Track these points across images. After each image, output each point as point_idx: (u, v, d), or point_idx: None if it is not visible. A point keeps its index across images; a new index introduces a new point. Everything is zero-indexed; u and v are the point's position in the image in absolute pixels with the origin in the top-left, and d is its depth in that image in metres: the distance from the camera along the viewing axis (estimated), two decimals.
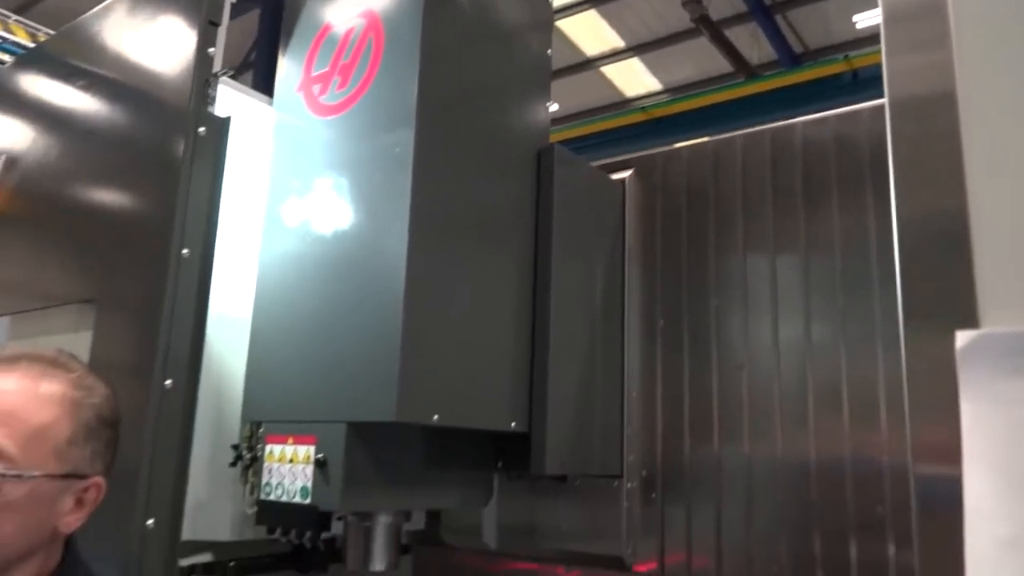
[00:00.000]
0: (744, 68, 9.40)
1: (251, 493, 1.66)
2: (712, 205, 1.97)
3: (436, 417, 1.48)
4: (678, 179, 2.03)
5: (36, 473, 0.92)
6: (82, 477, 0.98)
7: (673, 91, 10.27)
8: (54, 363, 1.00)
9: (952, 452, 0.61)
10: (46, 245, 1.80)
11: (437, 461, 1.67)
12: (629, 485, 1.92)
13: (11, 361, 0.97)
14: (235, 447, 1.68)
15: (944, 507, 0.63)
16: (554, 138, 1.95)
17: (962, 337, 0.57)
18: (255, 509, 1.63)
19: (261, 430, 1.65)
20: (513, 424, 1.67)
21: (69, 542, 1.02)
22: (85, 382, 1.01)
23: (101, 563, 1.05)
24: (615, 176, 2.09)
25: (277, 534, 1.64)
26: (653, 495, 1.91)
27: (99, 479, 1.00)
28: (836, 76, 6.87)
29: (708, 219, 1.97)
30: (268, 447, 1.60)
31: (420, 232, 1.48)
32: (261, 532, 1.71)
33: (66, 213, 1.78)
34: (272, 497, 1.57)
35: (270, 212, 1.75)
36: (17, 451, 0.91)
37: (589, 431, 1.83)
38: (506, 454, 1.80)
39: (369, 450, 1.52)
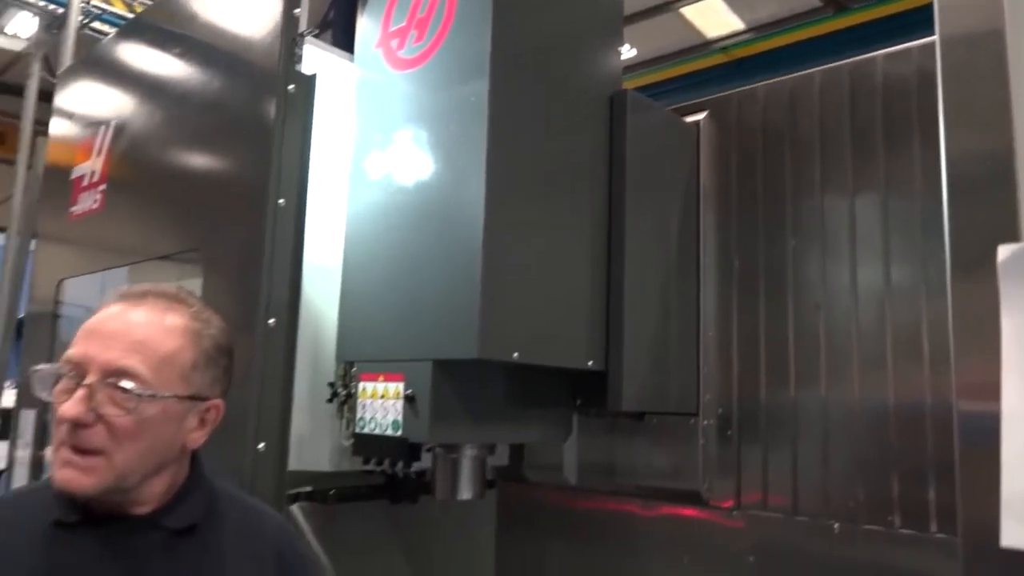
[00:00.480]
0: (833, 1, 8.92)
1: (347, 427, 1.79)
2: (788, 145, 1.95)
3: (516, 355, 1.57)
4: (753, 119, 2.02)
5: (167, 394, 1.06)
6: (204, 399, 1.12)
7: (756, 30, 9.86)
8: (176, 298, 1.13)
9: (995, 390, 0.63)
10: (156, 202, 1.97)
11: (518, 398, 1.76)
12: (705, 423, 1.97)
13: (139, 297, 1.11)
14: (331, 385, 1.81)
15: (985, 443, 0.65)
16: (632, 84, 1.96)
17: (1004, 251, 0.59)
18: (351, 441, 1.77)
19: (354, 369, 1.77)
20: (590, 363, 1.74)
21: (195, 459, 1.16)
22: (203, 315, 1.14)
23: (221, 479, 1.19)
24: (689, 119, 2.09)
25: (372, 464, 1.77)
26: (729, 432, 1.95)
27: (218, 401, 1.14)
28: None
29: (784, 159, 1.95)
30: (361, 384, 1.73)
31: (497, 179, 1.54)
32: (357, 463, 1.85)
33: (172, 173, 1.93)
34: (367, 430, 1.70)
35: (355, 165, 1.84)
36: (151, 375, 1.05)
37: (664, 370, 1.89)
38: (584, 392, 1.87)
39: (454, 386, 1.62)
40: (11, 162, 2.92)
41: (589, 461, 2.17)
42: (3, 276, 2.66)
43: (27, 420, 2.27)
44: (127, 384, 1.03)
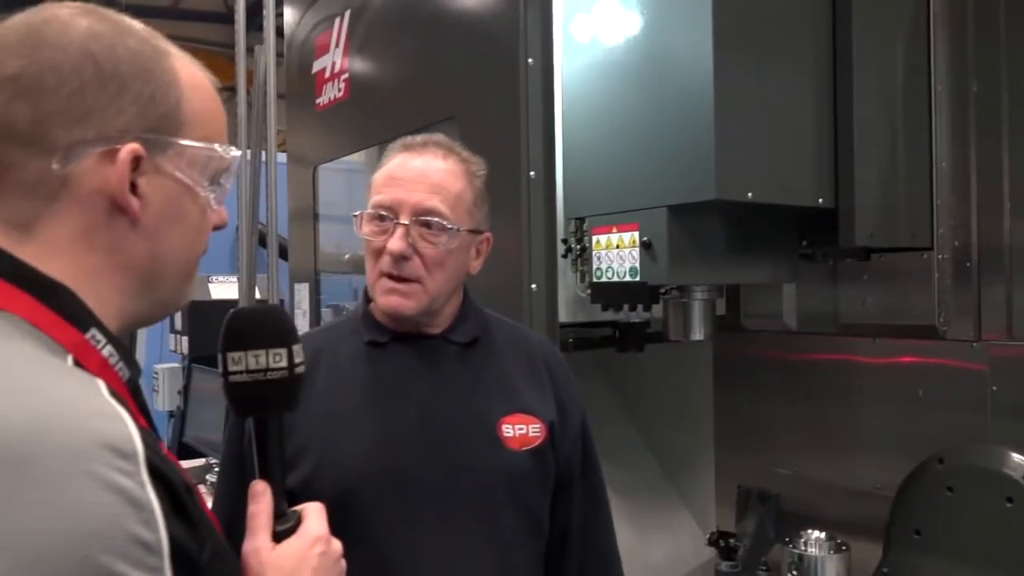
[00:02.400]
0: None
1: (582, 280, 1.93)
2: None
3: (750, 195, 1.61)
4: None
5: (461, 228, 1.25)
6: (480, 232, 1.31)
7: None
8: (448, 145, 1.31)
9: None
10: (404, 81, 2.14)
11: (746, 240, 1.81)
12: (940, 257, 1.92)
13: (421, 146, 1.29)
14: (564, 241, 1.94)
15: None
16: None
17: None
18: (588, 292, 1.91)
19: (585, 225, 1.89)
20: (820, 200, 1.75)
21: (465, 289, 1.38)
22: (472, 159, 1.33)
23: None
24: None
25: (610, 312, 1.91)
26: (968, 264, 1.90)
27: (489, 234, 1.35)
28: None
29: None
30: (595, 238, 1.84)
31: (723, 18, 1.55)
32: (591, 314, 2.00)
33: (418, 49, 2.09)
34: (604, 279, 1.82)
35: (566, 22, 1.88)
36: (449, 212, 1.24)
37: (896, 204, 1.85)
38: (811, 233, 1.88)
39: (687, 230, 1.70)
40: (230, 89, 3.22)
41: (810, 305, 2.18)
42: (243, 187, 3.01)
43: (302, 292, 2.62)
44: (435, 220, 1.22)
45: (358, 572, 0.94)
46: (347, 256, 3.06)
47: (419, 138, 1.31)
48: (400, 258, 1.22)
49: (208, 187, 0.78)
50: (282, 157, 2.91)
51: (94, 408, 0.61)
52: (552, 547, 1.40)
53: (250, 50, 3.10)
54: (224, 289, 4.31)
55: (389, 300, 1.25)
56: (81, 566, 0.54)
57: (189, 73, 0.78)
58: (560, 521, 1.40)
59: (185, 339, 4.19)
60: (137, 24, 0.76)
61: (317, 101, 2.50)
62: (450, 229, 1.24)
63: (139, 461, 0.59)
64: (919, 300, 1.95)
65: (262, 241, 3.60)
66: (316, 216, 2.64)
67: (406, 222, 1.23)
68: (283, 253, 3.56)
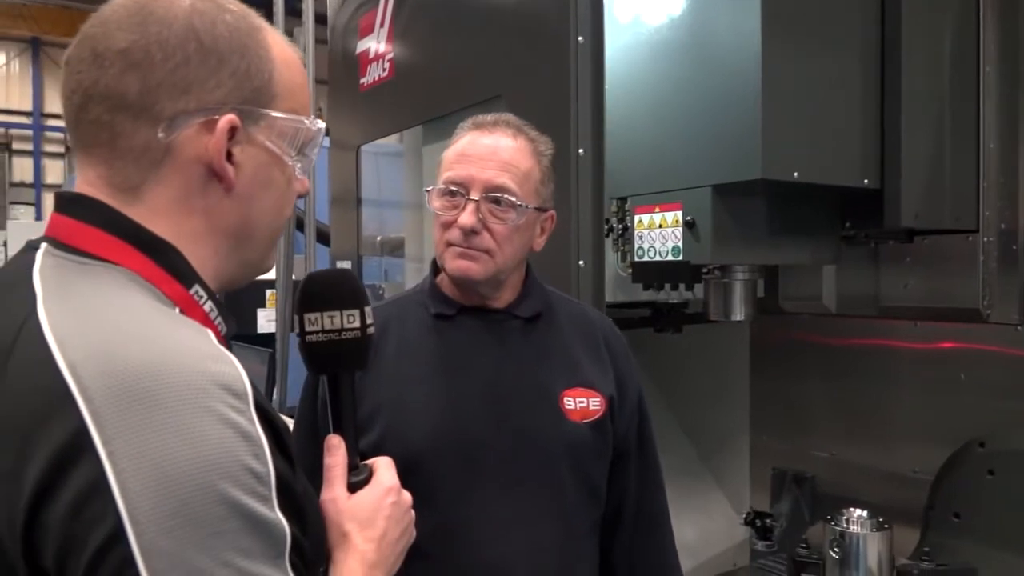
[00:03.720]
0: None
1: (623, 259, 1.95)
2: None
3: (796, 174, 1.61)
4: None
5: (529, 205, 1.27)
6: (546, 210, 1.33)
7: None
8: (517, 124, 1.33)
9: None
10: (450, 59, 2.15)
11: (789, 220, 1.82)
12: (985, 239, 1.91)
13: (492, 124, 1.31)
14: (606, 221, 1.95)
15: None
16: None
17: None
18: (629, 272, 1.92)
19: (627, 204, 1.90)
20: (865, 180, 1.74)
21: (528, 266, 1.41)
22: (540, 138, 1.35)
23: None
24: None
25: (651, 292, 1.92)
26: (1014, 247, 1.88)
27: (554, 212, 1.37)
28: None
29: None
30: (637, 217, 1.86)
31: (772, 1, 1.55)
32: (631, 294, 2.01)
33: (465, 28, 2.10)
34: (646, 258, 1.84)
35: (611, 1, 1.88)
36: (519, 189, 1.27)
37: (942, 186, 1.84)
38: (855, 214, 1.88)
39: (731, 210, 1.70)
40: None
41: (850, 287, 2.17)
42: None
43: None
44: (505, 197, 1.25)
45: (423, 536, 0.98)
46: (379, 239, 3.10)
47: (489, 117, 1.34)
48: (470, 232, 1.26)
49: (295, 157, 0.83)
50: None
51: (210, 352, 0.67)
52: (607, 517, 1.44)
53: (289, 33, 3.14)
54: None
55: (459, 264, 1.28)
56: (202, 490, 0.59)
57: (280, 48, 0.82)
58: (615, 492, 1.44)
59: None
60: (233, 1, 0.80)
61: (361, 82, 2.53)
62: (519, 206, 1.27)
63: (249, 401, 0.65)
64: (962, 283, 1.94)
65: (299, 226, 3.65)
66: (359, 198, 2.68)
67: (476, 198, 1.27)
68: (321, 238, 3.61)
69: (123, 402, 0.60)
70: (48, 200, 16.11)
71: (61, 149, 16.97)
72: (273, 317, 3.97)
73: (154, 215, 0.75)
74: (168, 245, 0.75)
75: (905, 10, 1.73)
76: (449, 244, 1.29)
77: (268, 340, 3.80)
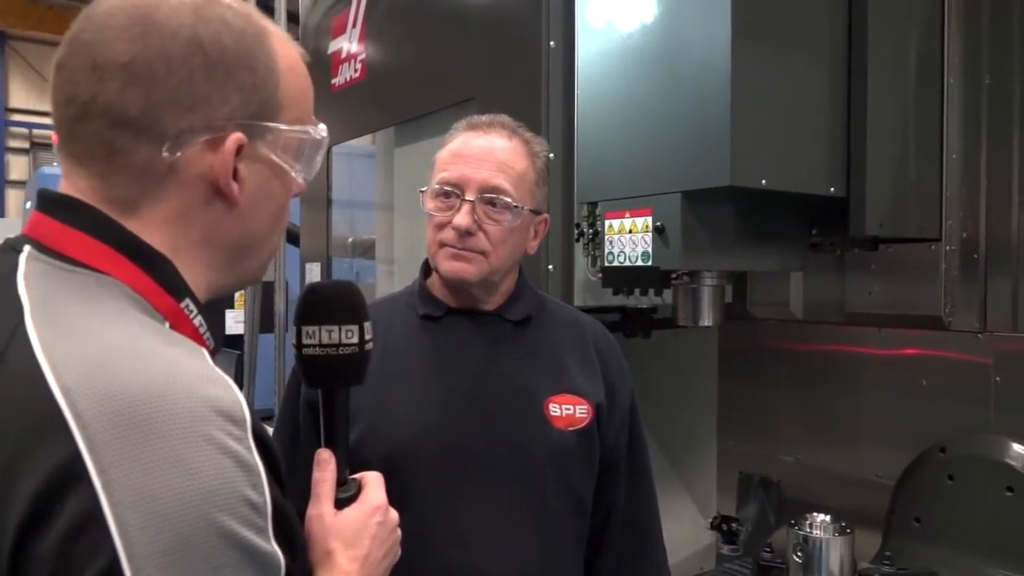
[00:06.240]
0: None
1: (593, 264, 1.95)
2: None
3: (764, 182, 1.63)
4: None
5: (525, 207, 1.27)
6: (540, 212, 1.33)
7: None
8: (512, 126, 1.34)
9: None
10: (422, 62, 2.15)
11: (757, 227, 1.83)
12: (947, 248, 1.94)
13: (487, 125, 1.31)
14: (576, 225, 1.95)
15: None
16: None
17: None
18: (599, 276, 1.93)
19: (597, 209, 1.90)
20: (832, 189, 1.77)
21: (520, 269, 1.41)
22: (535, 140, 1.35)
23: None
24: None
25: (620, 296, 1.93)
26: (975, 256, 1.92)
27: (547, 215, 1.37)
28: None
29: None
30: (607, 222, 1.86)
31: (742, 10, 1.56)
32: (600, 299, 2.02)
33: (438, 30, 2.09)
34: (616, 263, 1.84)
35: (583, 6, 1.88)
36: (514, 191, 1.27)
37: (906, 195, 1.87)
38: (821, 221, 1.90)
39: (700, 216, 1.71)
40: None
41: (816, 294, 2.21)
42: None
43: (313, 271, 2.65)
44: (500, 198, 1.24)
45: (403, 538, 0.97)
46: (350, 240, 3.08)
47: (484, 118, 1.34)
48: (465, 233, 1.25)
49: (299, 168, 0.80)
50: None
51: (206, 374, 0.64)
52: (594, 529, 1.42)
53: None
54: None
55: (452, 265, 1.28)
56: (201, 523, 0.58)
57: (286, 53, 0.79)
58: (604, 503, 1.42)
59: None
60: (235, 1, 0.77)
61: (333, 82, 2.51)
62: (515, 208, 1.27)
63: (247, 428, 0.63)
64: (925, 291, 1.97)
65: None
66: (330, 199, 2.66)
67: (472, 199, 1.26)
68: (291, 238, 3.57)
69: (119, 429, 0.58)
70: (12, 196, 15.79)
71: (26, 145, 16.63)
72: (242, 318, 3.93)
73: (150, 227, 0.73)
74: (162, 257, 0.73)
75: (872, 21, 1.75)
76: (443, 245, 1.28)
77: (236, 342, 3.76)
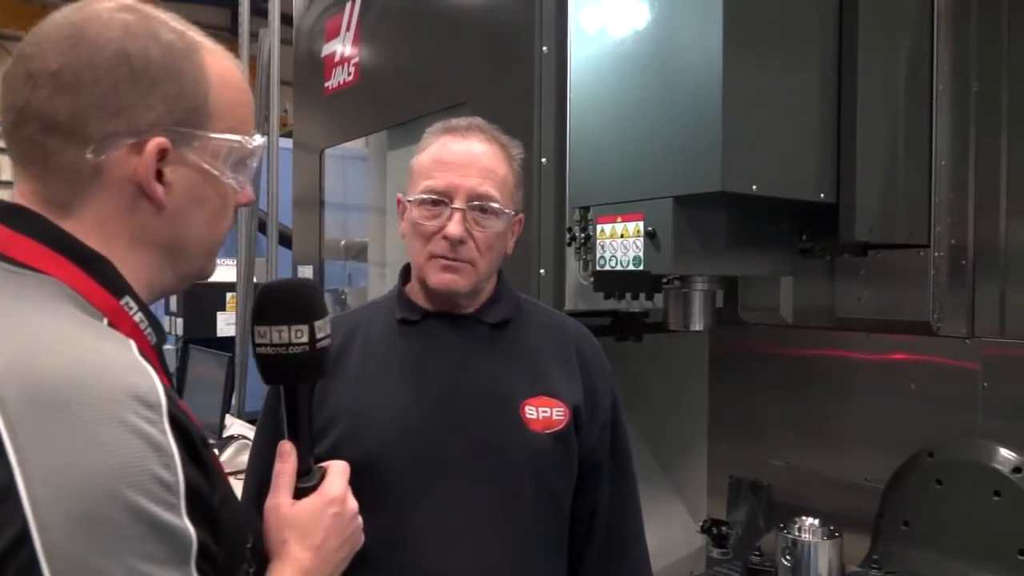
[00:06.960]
0: None
1: (585, 268, 1.96)
2: None
3: (754, 187, 1.64)
4: None
5: (508, 211, 1.28)
6: (517, 213, 1.33)
7: None
8: (488, 129, 1.34)
9: None
10: (416, 66, 2.15)
11: (748, 232, 1.84)
12: (936, 254, 1.96)
13: (465, 129, 1.31)
14: (568, 229, 1.96)
15: None
16: None
17: None
18: (591, 280, 1.93)
19: (590, 214, 1.91)
20: (822, 195, 1.78)
21: (500, 272, 1.40)
22: (511, 142, 1.35)
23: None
24: None
25: (612, 300, 1.93)
26: (963, 262, 1.93)
27: (523, 215, 1.36)
28: None
29: None
30: (599, 227, 1.87)
31: (732, 14, 1.57)
32: (592, 303, 2.02)
33: (432, 34, 2.10)
34: (608, 267, 1.85)
35: (576, 11, 1.89)
36: (499, 196, 1.26)
37: (895, 201, 1.89)
38: (811, 227, 1.91)
39: (691, 221, 1.72)
40: None
41: (806, 299, 2.22)
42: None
43: (305, 274, 2.65)
44: (489, 205, 1.25)
45: (377, 540, 0.97)
46: (343, 243, 3.08)
47: (462, 121, 1.33)
48: (458, 242, 1.25)
49: (231, 174, 0.84)
50: (283, 143, 2.92)
51: (127, 363, 0.69)
52: (576, 536, 1.41)
53: (254, 35, 3.11)
54: (222, 272, 4.33)
55: (443, 277, 1.28)
56: (109, 498, 0.62)
57: (219, 66, 0.83)
58: (585, 507, 1.41)
59: (180, 321, 4.22)
60: (172, 19, 0.81)
61: (326, 85, 2.51)
62: (503, 213, 1.27)
63: (162, 412, 0.67)
64: (914, 297, 1.99)
65: (262, 228, 3.61)
66: (322, 201, 2.66)
67: (462, 207, 1.26)
68: (283, 240, 3.57)
69: (37, 410, 0.62)
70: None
71: None
72: (233, 321, 3.92)
73: (84, 227, 0.77)
74: (100, 257, 0.77)
75: (862, 29, 1.77)
76: (432, 256, 1.27)
77: (227, 344, 3.75)
